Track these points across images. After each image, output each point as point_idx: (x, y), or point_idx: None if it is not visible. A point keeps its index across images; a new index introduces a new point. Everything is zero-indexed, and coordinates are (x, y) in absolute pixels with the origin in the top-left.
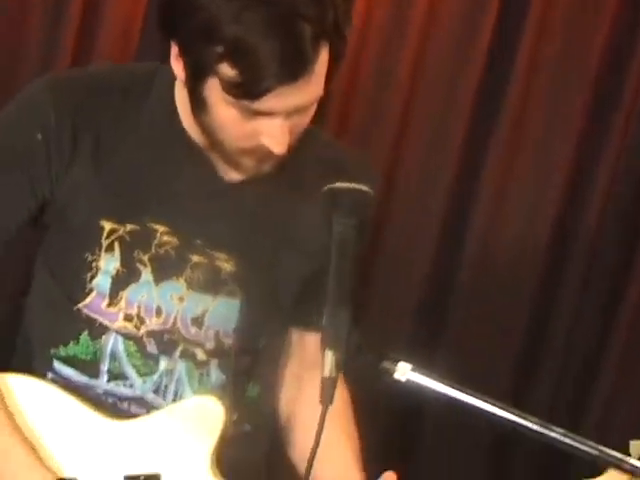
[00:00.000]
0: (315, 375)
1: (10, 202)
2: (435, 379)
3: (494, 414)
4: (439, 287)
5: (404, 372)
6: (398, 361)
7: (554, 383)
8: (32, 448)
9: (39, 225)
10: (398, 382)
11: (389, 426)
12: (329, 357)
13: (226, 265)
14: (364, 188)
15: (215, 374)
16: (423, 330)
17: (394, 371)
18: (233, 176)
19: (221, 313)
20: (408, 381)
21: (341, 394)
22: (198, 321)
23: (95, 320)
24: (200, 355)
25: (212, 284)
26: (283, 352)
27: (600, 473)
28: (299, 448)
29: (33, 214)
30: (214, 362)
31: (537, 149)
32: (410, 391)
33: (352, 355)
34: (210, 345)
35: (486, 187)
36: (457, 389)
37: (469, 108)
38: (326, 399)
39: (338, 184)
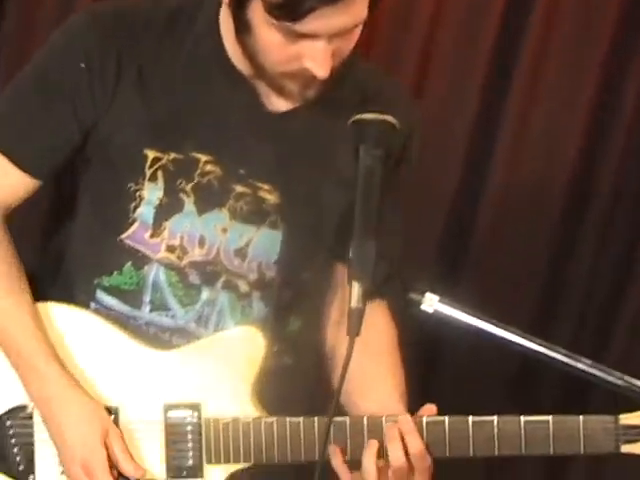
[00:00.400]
0: None
1: (56, 132)
2: (462, 310)
3: (521, 345)
4: (461, 220)
5: (431, 303)
6: (425, 292)
7: (578, 313)
8: (70, 375)
9: (81, 158)
10: (425, 313)
11: (410, 358)
12: (356, 288)
13: (269, 196)
14: (391, 119)
15: (257, 306)
16: (445, 263)
17: (421, 302)
18: (277, 105)
19: (264, 245)
20: (435, 312)
21: (389, 332)
22: (241, 252)
23: (138, 251)
24: (243, 287)
25: (255, 215)
26: (329, 288)
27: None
28: (345, 392)
29: (78, 144)
30: (256, 294)
31: (560, 79)
32: (433, 323)
33: (379, 286)
34: (253, 277)
35: (509, 118)
36: (484, 320)
37: (492, 40)
38: (352, 330)
39: (365, 115)
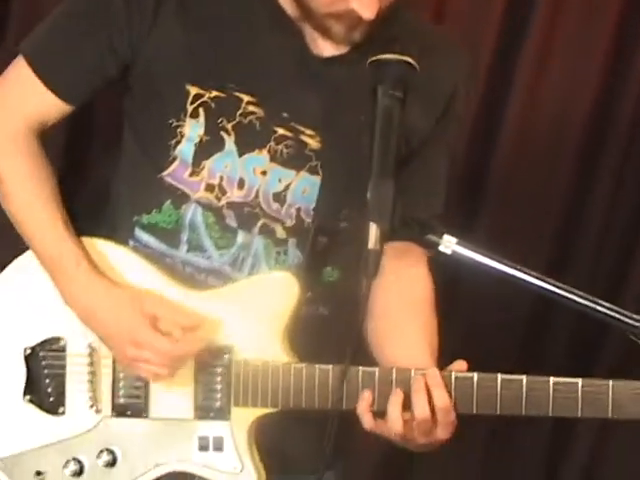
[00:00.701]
0: (396, 265)
1: (91, 60)
2: (479, 252)
3: (539, 286)
4: (478, 163)
5: (449, 245)
6: (443, 234)
7: (593, 256)
8: (99, 271)
9: (127, 94)
10: (443, 254)
11: None
12: (373, 229)
13: (311, 141)
14: (411, 60)
15: (293, 253)
16: (461, 206)
17: (439, 244)
18: (323, 49)
19: (303, 190)
20: (453, 253)
21: (427, 286)
22: (280, 197)
23: (178, 189)
24: (279, 232)
25: (296, 159)
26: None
27: None
28: (373, 332)
29: (113, 75)
30: (292, 241)
31: (578, 24)
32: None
33: (397, 228)
34: (290, 223)
35: (527, 60)
36: (500, 261)
37: None
38: (369, 272)
39: (384, 55)
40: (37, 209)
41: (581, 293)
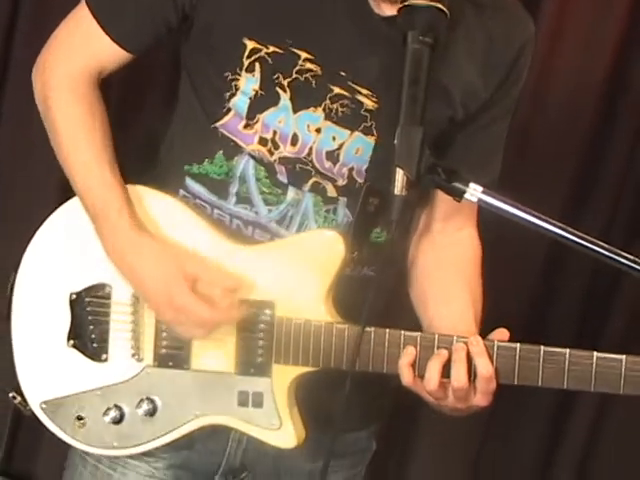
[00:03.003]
0: (444, 226)
1: (152, 9)
2: (504, 201)
3: (563, 236)
4: None
5: (475, 193)
6: (469, 182)
7: (608, 216)
8: (142, 224)
9: (185, 44)
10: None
11: None
12: (400, 175)
13: (367, 101)
14: (442, 7)
15: (342, 212)
16: None
17: (465, 192)
18: (384, 9)
19: (357, 150)
20: (479, 201)
21: (473, 250)
22: (333, 155)
23: (231, 140)
24: (330, 191)
25: (350, 118)
26: (417, 201)
27: None
28: (417, 292)
29: (173, 24)
30: (343, 200)
31: None
32: None
33: (423, 174)
34: (342, 182)
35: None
36: (526, 211)
37: None
38: (394, 216)
39: (415, 1)
40: (85, 154)
41: (601, 243)
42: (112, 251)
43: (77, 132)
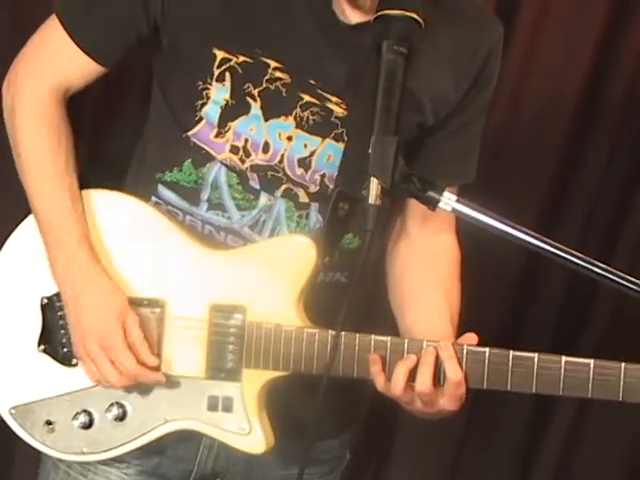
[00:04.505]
0: (422, 230)
1: (124, 20)
2: (478, 210)
3: (538, 246)
4: None
5: (449, 202)
6: (443, 191)
7: (585, 220)
8: (98, 260)
9: (157, 54)
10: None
11: None
12: (374, 184)
13: (337, 109)
14: (416, 17)
15: (314, 217)
16: None
17: (439, 201)
18: (350, 17)
19: (328, 157)
20: (453, 210)
21: (451, 254)
22: (305, 162)
23: (202, 149)
24: (302, 196)
25: (322, 126)
26: (388, 207)
27: None
28: (395, 296)
29: (145, 35)
30: (315, 205)
31: None
32: None
33: (398, 184)
34: (314, 188)
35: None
36: (500, 221)
37: None
38: (370, 226)
39: (390, 11)
40: (47, 181)
41: (577, 253)
42: (62, 276)
43: (41, 157)
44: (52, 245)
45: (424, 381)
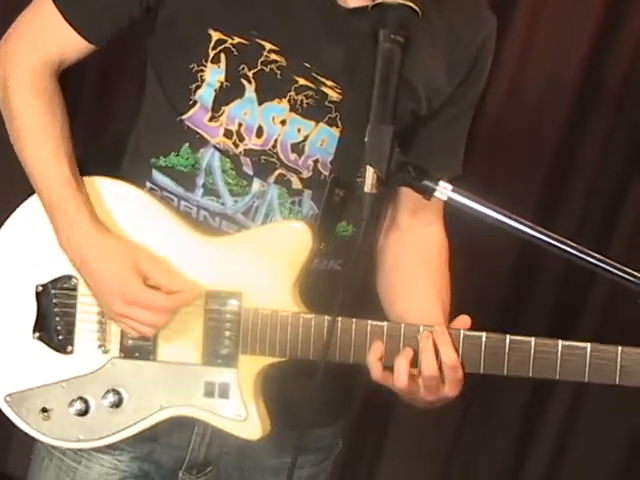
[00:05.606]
0: (411, 221)
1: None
2: (474, 199)
3: (533, 236)
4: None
5: (444, 191)
6: (439, 180)
7: (580, 214)
8: (99, 220)
9: (151, 36)
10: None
11: None
12: (370, 173)
13: (332, 93)
14: (413, 5)
15: (307, 204)
16: None
17: (435, 190)
18: (348, 0)
19: (322, 142)
20: (449, 199)
21: (440, 245)
22: (299, 147)
23: (196, 133)
24: (295, 183)
25: (316, 110)
26: (382, 194)
27: None
28: (384, 286)
29: (137, 15)
30: (308, 192)
31: None
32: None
33: (394, 172)
34: (307, 174)
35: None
36: (495, 209)
37: None
38: (365, 215)
39: None
40: (43, 149)
41: (574, 244)
42: (67, 244)
43: (36, 126)
44: (53, 212)
45: (430, 364)
